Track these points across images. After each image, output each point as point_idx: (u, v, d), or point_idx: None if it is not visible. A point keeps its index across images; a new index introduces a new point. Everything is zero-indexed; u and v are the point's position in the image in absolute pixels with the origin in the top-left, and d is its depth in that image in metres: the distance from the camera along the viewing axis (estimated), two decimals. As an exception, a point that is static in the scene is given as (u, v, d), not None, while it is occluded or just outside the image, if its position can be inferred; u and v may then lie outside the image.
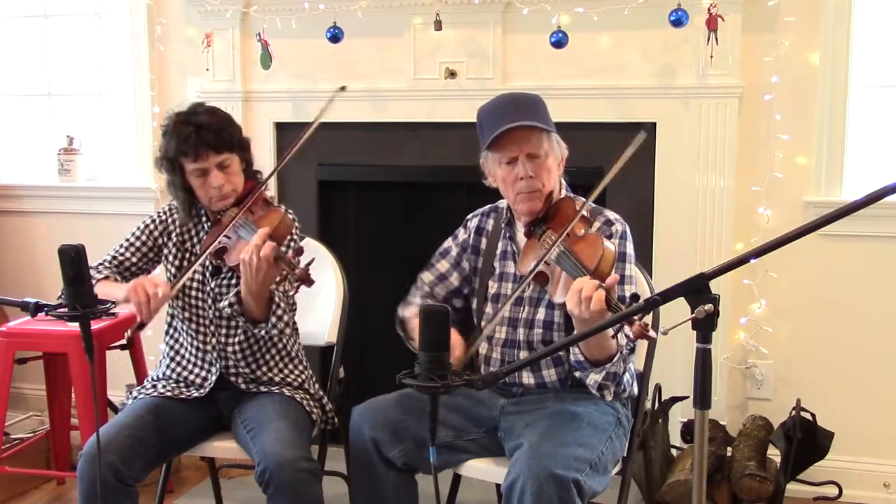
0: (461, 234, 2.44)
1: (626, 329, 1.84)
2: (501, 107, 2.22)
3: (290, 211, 2.50)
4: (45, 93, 4.01)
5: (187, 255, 2.47)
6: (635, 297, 1.81)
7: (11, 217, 3.97)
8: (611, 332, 1.93)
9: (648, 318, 1.86)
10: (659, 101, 3.12)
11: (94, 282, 2.32)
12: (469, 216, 2.46)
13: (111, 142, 3.92)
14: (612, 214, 2.29)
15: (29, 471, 3.29)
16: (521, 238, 2.30)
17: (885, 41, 3.09)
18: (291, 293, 2.30)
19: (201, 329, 2.45)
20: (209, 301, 2.44)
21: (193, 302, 2.45)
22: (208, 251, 2.31)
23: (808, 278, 3.15)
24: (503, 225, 2.35)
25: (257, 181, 2.45)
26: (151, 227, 2.50)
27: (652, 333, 1.83)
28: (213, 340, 2.44)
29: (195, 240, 2.47)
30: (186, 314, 2.45)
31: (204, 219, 2.46)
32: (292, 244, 2.43)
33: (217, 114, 2.39)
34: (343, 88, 2.51)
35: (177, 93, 3.66)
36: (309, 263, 2.15)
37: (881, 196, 1.38)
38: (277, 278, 2.17)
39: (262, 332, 2.38)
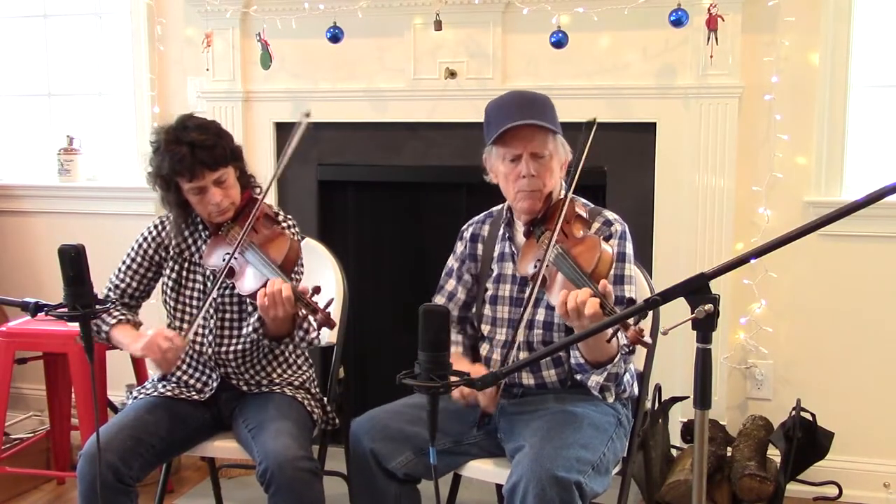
0: (459, 247, 2.45)
1: (622, 335, 1.84)
2: (511, 103, 2.22)
3: (290, 218, 2.50)
4: (45, 93, 4.01)
5: (186, 264, 2.46)
6: (632, 301, 1.80)
7: (11, 217, 3.97)
8: (608, 334, 1.93)
9: (644, 324, 1.84)
10: (659, 101, 3.12)
11: (107, 327, 2.38)
12: (464, 227, 2.46)
13: (111, 142, 3.92)
14: (611, 214, 2.29)
15: (29, 471, 3.29)
16: (521, 238, 2.29)
17: (885, 41, 3.09)
18: (313, 335, 2.29)
19: (198, 339, 2.44)
20: (210, 310, 2.43)
21: (194, 312, 2.44)
22: (222, 276, 2.29)
23: (808, 278, 3.15)
24: (503, 225, 2.35)
25: (252, 187, 2.44)
26: (145, 245, 2.47)
27: (647, 339, 1.83)
28: (210, 350, 2.43)
29: (193, 248, 2.45)
30: (186, 325, 2.44)
31: (201, 227, 2.45)
32: (300, 268, 2.43)
33: (208, 128, 2.33)
34: (308, 115, 2.34)
35: (177, 93, 3.67)
36: (329, 304, 2.14)
37: (881, 196, 1.38)
38: (298, 313, 2.17)
39: (291, 347, 2.41)
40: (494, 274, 2.34)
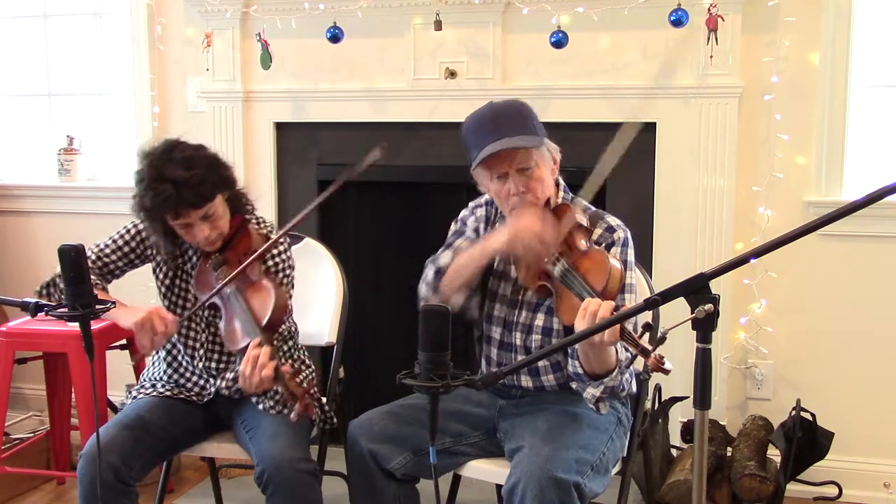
0: (470, 219, 2.38)
1: (643, 360, 1.82)
2: (485, 122, 2.16)
3: (282, 243, 2.41)
4: (45, 93, 4.01)
5: (179, 272, 2.43)
6: (647, 326, 1.76)
7: (11, 217, 3.97)
8: (612, 347, 1.91)
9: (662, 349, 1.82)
10: (659, 101, 3.12)
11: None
12: (474, 203, 2.40)
13: (111, 142, 3.92)
14: (613, 220, 2.24)
15: (29, 471, 3.29)
16: None
17: (885, 41, 3.09)
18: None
19: (187, 351, 2.43)
20: (202, 325, 2.42)
21: (186, 323, 2.42)
22: (205, 302, 2.27)
23: (808, 278, 3.15)
24: (496, 224, 2.33)
25: (245, 205, 2.37)
26: (145, 234, 2.41)
27: (668, 366, 1.79)
28: (201, 365, 2.42)
29: (186, 256, 2.43)
30: (178, 335, 2.42)
31: None
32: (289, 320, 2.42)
33: (194, 163, 2.20)
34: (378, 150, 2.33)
35: (177, 93, 3.67)
36: (312, 384, 2.10)
37: (881, 196, 1.37)
38: (276, 388, 2.12)
39: (286, 347, 2.40)
40: (498, 269, 2.31)
